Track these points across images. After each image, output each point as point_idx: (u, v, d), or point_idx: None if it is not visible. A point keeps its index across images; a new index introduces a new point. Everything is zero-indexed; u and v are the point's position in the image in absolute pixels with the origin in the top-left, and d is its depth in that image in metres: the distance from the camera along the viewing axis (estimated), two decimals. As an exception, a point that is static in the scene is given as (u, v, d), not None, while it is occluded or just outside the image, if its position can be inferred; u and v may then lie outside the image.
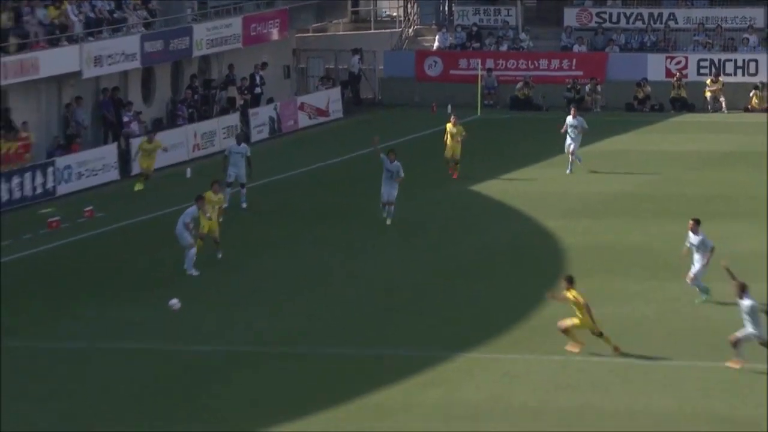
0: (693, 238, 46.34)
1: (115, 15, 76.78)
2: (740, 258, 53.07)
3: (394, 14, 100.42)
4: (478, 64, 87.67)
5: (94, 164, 69.02)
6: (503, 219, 61.31)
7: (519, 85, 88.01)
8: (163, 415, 37.93)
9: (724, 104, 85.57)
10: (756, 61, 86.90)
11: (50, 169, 66.62)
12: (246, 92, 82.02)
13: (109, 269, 53.42)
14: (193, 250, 51.11)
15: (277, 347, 44.05)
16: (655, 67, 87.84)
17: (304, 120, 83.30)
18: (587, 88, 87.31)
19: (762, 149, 73.98)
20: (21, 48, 68.83)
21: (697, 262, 45.82)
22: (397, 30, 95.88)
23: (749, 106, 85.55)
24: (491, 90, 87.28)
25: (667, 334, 44.27)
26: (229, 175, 61.99)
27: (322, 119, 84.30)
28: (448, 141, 66.63)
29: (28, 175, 65.24)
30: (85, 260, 55.27)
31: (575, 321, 41.64)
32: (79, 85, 72.93)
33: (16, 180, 64.45)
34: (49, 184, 65.96)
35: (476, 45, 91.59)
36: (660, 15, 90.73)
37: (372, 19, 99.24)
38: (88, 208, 62.48)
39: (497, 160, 71.09)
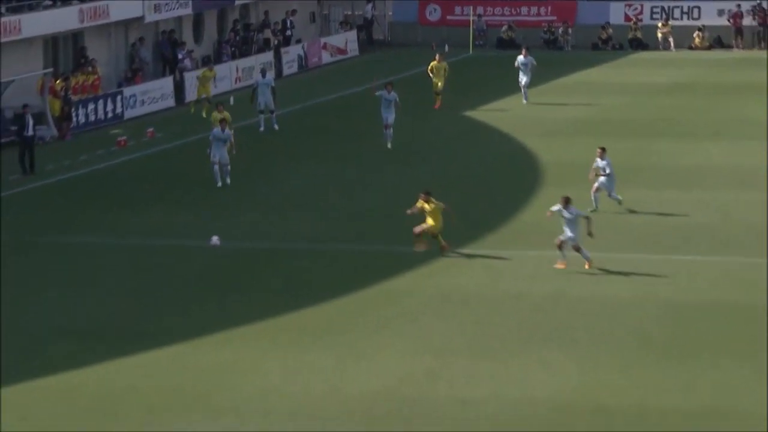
0: (600, 163, 46.85)
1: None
2: (681, 170, 53.87)
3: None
4: (470, 10, 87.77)
5: (154, 93, 69.69)
6: (491, 140, 61.63)
7: (504, 28, 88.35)
8: (214, 298, 38.86)
9: (672, 43, 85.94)
10: (699, 7, 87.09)
11: (119, 97, 67.48)
12: (279, 34, 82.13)
13: (167, 179, 54.13)
14: (215, 167, 51.47)
15: (310, 244, 44.93)
16: (616, 12, 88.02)
17: (326, 57, 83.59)
18: (560, 30, 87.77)
19: (703, 80, 74.46)
20: (93, -2, 69.50)
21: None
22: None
23: (693, 45, 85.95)
24: (481, 32, 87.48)
25: (622, 233, 44.85)
26: (259, 103, 62.44)
27: (341, 57, 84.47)
28: (434, 76, 66.49)
29: (101, 102, 66.09)
30: (147, 172, 55.89)
31: (430, 224, 42.43)
32: (142, 28, 73.40)
33: (91, 106, 65.28)
34: (118, 110, 66.77)
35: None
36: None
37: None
38: (149, 129, 63.43)
39: (486, 91, 71.25)
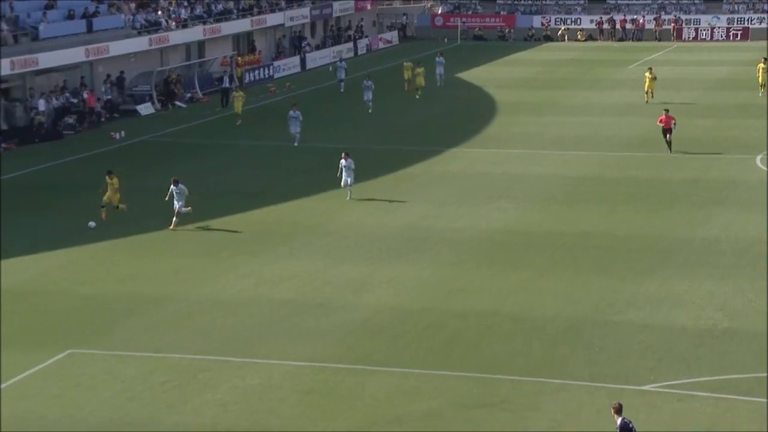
0: (344, 163, 34.13)
1: (298, -2, 76.05)
2: (572, 106, 52.60)
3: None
4: (459, 20, 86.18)
5: (289, 65, 68.16)
6: (467, 89, 60.03)
7: (477, 29, 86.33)
8: (320, 175, 37.76)
9: (566, 38, 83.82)
10: (581, 18, 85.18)
11: (270, 67, 65.95)
12: (356, 32, 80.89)
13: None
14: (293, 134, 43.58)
15: (362, 144, 44.13)
16: (536, 21, 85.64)
17: (381, 45, 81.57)
18: (506, 30, 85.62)
19: (582, 57, 72.95)
20: (258, 12, 68.29)
21: (348, 176, 33.79)
22: (422, 4, 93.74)
23: (577, 39, 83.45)
24: (464, 32, 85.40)
25: (537, 140, 43.86)
26: (338, 76, 59.36)
27: (389, 45, 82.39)
28: (409, 75, 57.70)
29: (261, 70, 64.80)
30: (286, 108, 54.67)
31: (111, 196, 32.28)
32: (284, 30, 71.78)
33: (254, 72, 64.00)
34: (270, 74, 65.26)
35: (457, 10, 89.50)
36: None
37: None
38: (287, 84, 61.96)
39: (466, 63, 69.72)
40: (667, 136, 40.24)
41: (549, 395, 19.41)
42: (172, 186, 31.36)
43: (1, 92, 48.21)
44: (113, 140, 45.90)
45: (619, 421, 16.10)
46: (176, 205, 31.10)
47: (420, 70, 57.23)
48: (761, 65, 54.75)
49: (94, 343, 22.57)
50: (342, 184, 34.14)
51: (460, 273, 26.90)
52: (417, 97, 55.46)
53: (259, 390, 19.95)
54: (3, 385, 20.35)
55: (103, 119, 50.54)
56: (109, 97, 53.06)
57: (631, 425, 16.03)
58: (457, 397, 19.41)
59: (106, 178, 32.41)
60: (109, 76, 53.93)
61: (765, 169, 37.47)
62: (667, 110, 40.89)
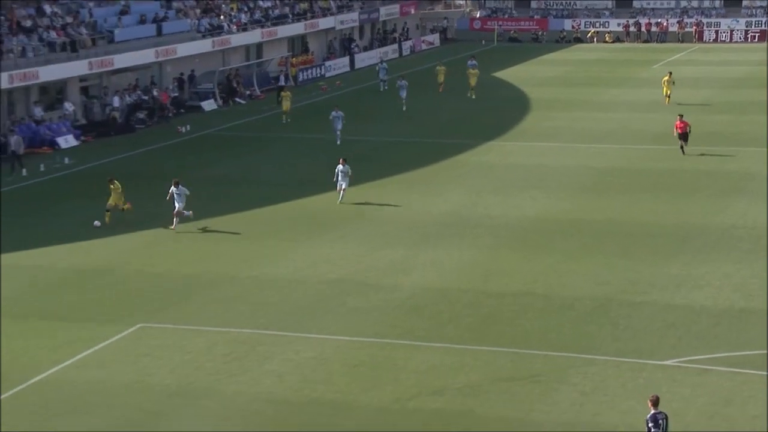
0: (341, 168, 32.31)
1: (349, 2, 75.32)
2: (601, 102, 51.97)
3: (461, 2, 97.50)
4: (495, 23, 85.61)
5: (339, 64, 67.59)
6: (505, 88, 59.44)
7: (512, 32, 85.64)
8: (367, 164, 37.92)
9: (595, 40, 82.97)
10: (609, 21, 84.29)
11: (322, 66, 65.52)
12: (401, 35, 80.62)
13: (346, 108, 52.26)
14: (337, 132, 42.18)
15: (403, 138, 43.89)
16: (567, 24, 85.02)
17: (424, 46, 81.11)
18: (540, 33, 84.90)
19: (610, 57, 72.18)
20: (311, 17, 68.23)
21: (343, 181, 31.79)
22: (462, 9, 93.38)
23: (605, 41, 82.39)
24: (500, 34, 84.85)
25: (566, 132, 43.50)
26: (380, 75, 58.33)
27: (431, 46, 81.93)
28: (442, 77, 56.15)
29: (312, 69, 64.31)
30: (336, 104, 54.52)
31: (115, 199, 30.31)
32: (334, 33, 71.58)
33: (307, 71, 63.53)
34: (322, 73, 64.82)
35: (494, 14, 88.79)
36: (569, 2, 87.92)
37: (452, 4, 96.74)
38: (337, 82, 61.73)
39: (502, 63, 69.23)
40: (683, 141, 37.81)
41: (578, 369, 19.39)
42: (172, 187, 29.61)
43: (81, 90, 49.09)
44: (180, 134, 46.32)
45: (651, 412, 15.01)
46: (177, 206, 29.57)
47: (474, 71, 55.68)
48: None
49: (162, 318, 22.87)
50: (337, 188, 32.20)
51: (496, 256, 26.86)
52: (472, 97, 53.68)
53: (312, 362, 20.11)
54: (83, 354, 20.75)
55: (170, 114, 51.03)
56: (176, 94, 53.69)
57: (661, 421, 14.82)
58: (494, 371, 19.45)
59: (109, 184, 30.46)
60: (182, 74, 54.70)
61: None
62: (681, 115, 38.47)
